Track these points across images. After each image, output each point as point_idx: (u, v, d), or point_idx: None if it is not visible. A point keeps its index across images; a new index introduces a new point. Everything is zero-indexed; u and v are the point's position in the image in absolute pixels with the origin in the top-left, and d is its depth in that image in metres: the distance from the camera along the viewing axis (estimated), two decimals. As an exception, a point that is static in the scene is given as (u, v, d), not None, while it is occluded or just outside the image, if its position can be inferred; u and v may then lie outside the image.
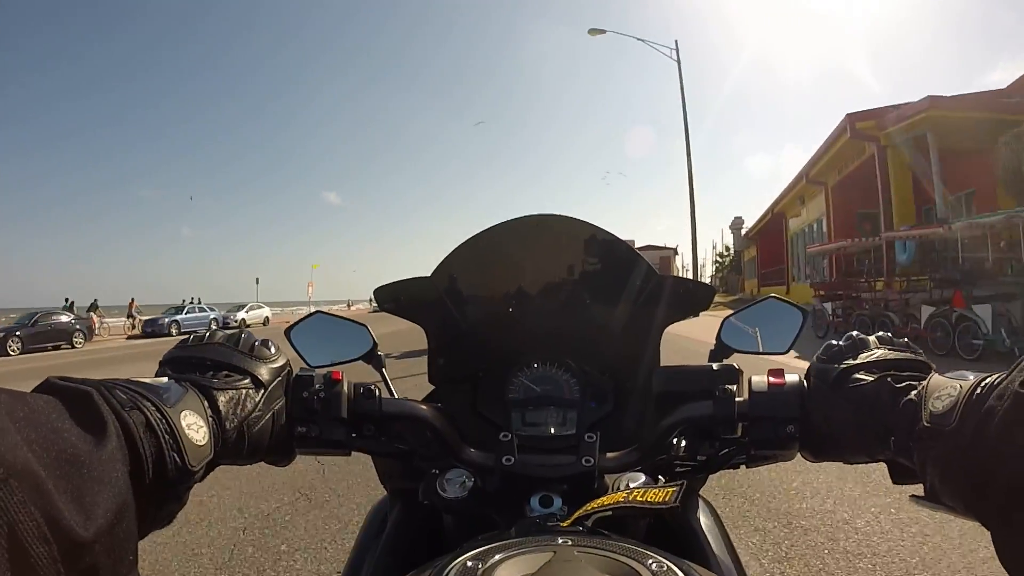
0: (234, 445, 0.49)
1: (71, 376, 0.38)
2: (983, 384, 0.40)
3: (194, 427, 0.43)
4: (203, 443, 0.43)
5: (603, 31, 21.76)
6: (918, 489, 0.46)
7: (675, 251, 45.50)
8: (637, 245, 34.32)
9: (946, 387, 0.44)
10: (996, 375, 0.40)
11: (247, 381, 0.52)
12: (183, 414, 0.42)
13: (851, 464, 0.55)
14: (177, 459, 0.40)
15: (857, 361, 0.53)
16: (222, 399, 0.49)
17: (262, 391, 0.53)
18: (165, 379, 0.46)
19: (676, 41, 22.98)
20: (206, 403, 0.47)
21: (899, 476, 0.50)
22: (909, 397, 0.47)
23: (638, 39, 21.65)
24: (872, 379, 0.51)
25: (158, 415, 0.40)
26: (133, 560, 0.35)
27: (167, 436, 0.40)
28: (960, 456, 0.40)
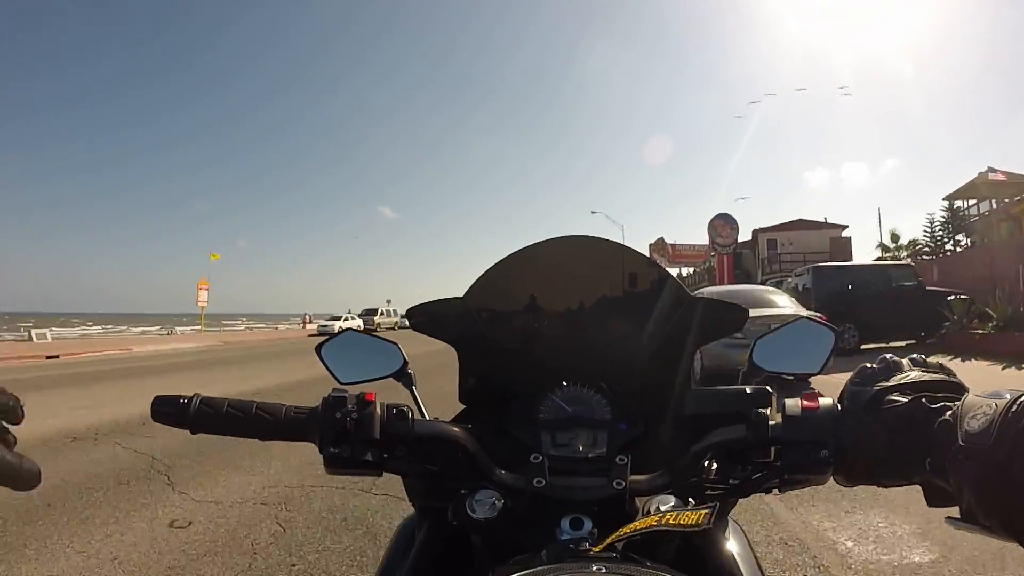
0: None
1: None
2: (1019, 402, 0.40)
3: None
4: None
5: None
6: (954, 511, 0.45)
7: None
8: (798, 218, 34.61)
9: (981, 406, 0.43)
10: None
11: None
12: None
13: (885, 487, 0.54)
14: None
15: (891, 383, 0.53)
16: None
17: None
18: None
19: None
20: None
21: (934, 498, 0.49)
22: (944, 418, 0.46)
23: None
24: (906, 400, 0.50)
25: None
26: None
27: None
28: (997, 475, 0.39)
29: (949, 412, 0.46)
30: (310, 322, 44.00)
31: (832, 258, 28.76)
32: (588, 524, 0.60)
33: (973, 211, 26.23)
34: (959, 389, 0.51)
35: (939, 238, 27.82)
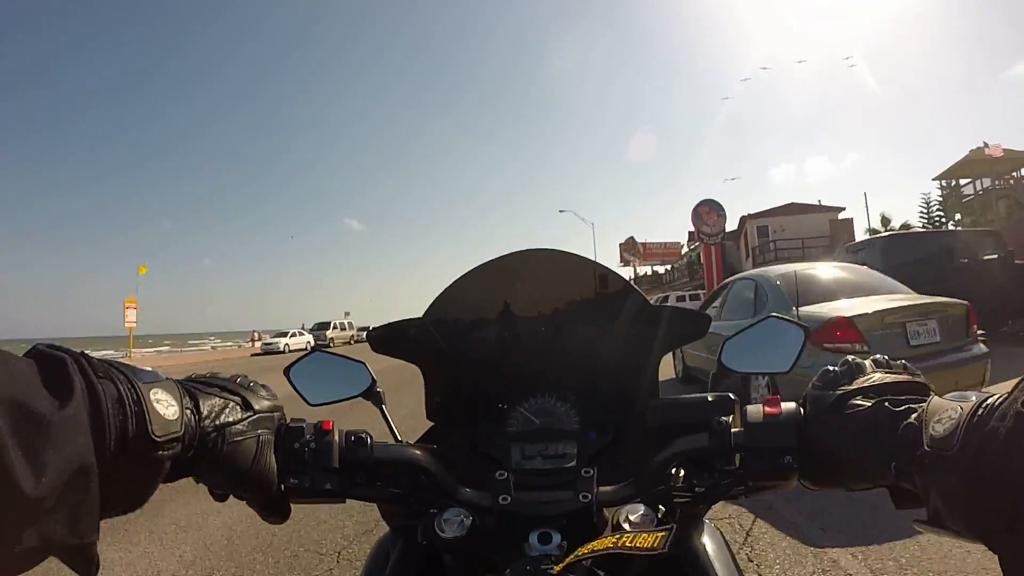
0: (212, 448, 0.48)
1: (57, 345, 0.39)
2: (984, 405, 0.40)
3: (163, 403, 0.43)
4: (172, 418, 0.43)
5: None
6: (922, 513, 0.45)
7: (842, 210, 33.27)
8: (798, 201, 32.15)
9: (946, 409, 0.43)
10: (997, 396, 0.40)
11: (236, 398, 0.53)
12: (153, 391, 0.42)
13: (852, 491, 0.53)
14: (141, 427, 0.40)
15: (853, 386, 0.52)
16: (204, 401, 0.49)
17: (250, 412, 0.53)
18: (150, 367, 0.46)
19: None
20: (186, 398, 0.47)
21: (902, 501, 0.49)
22: (909, 421, 0.46)
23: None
24: (869, 404, 0.50)
25: (128, 386, 0.40)
26: (91, 529, 0.35)
27: (134, 407, 0.40)
28: (963, 479, 0.39)
29: (914, 415, 0.46)
30: (259, 339, 39.79)
31: (833, 243, 26.44)
32: (557, 538, 0.60)
33: (968, 190, 25.85)
34: (923, 390, 0.51)
35: (936, 219, 27.40)
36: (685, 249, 42.63)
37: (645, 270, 46.32)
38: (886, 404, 0.49)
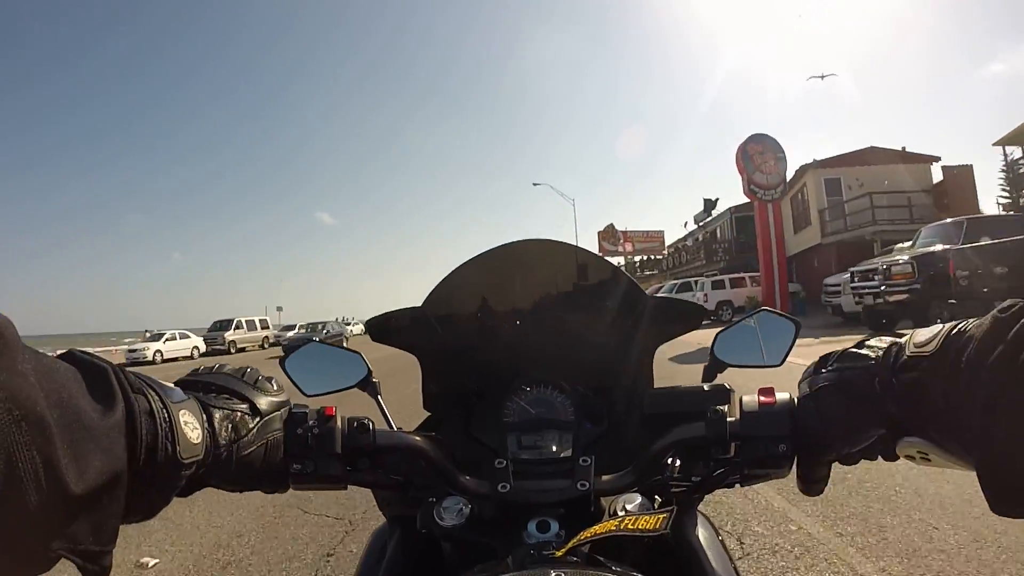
0: (224, 463, 0.51)
1: (91, 352, 0.40)
2: (965, 321, 0.42)
3: (190, 425, 0.45)
4: (196, 442, 0.45)
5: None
6: (909, 444, 0.46)
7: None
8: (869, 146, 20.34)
9: (931, 328, 0.45)
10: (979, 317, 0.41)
11: (244, 406, 0.55)
12: (182, 412, 0.45)
13: (852, 463, 0.53)
14: (170, 448, 0.42)
15: (846, 364, 0.52)
16: (217, 415, 0.51)
17: (258, 419, 0.55)
18: (172, 384, 0.49)
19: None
20: (204, 415, 0.49)
21: (891, 435, 0.49)
22: (895, 342, 0.48)
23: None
24: (859, 366, 0.50)
25: (160, 405, 0.42)
26: (113, 535, 0.36)
27: (165, 425, 0.42)
28: (941, 382, 0.40)
29: (898, 345, 0.47)
30: (144, 340, 26.22)
31: (942, 201, 18.75)
32: (555, 526, 0.61)
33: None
34: None
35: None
36: (670, 239, 39.39)
37: (642, 256, 41.48)
38: (875, 354, 0.50)
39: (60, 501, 0.32)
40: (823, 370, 0.53)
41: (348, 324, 37.54)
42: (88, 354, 0.40)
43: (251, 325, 28.97)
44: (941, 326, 0.43)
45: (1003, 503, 0.36)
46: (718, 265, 27.90)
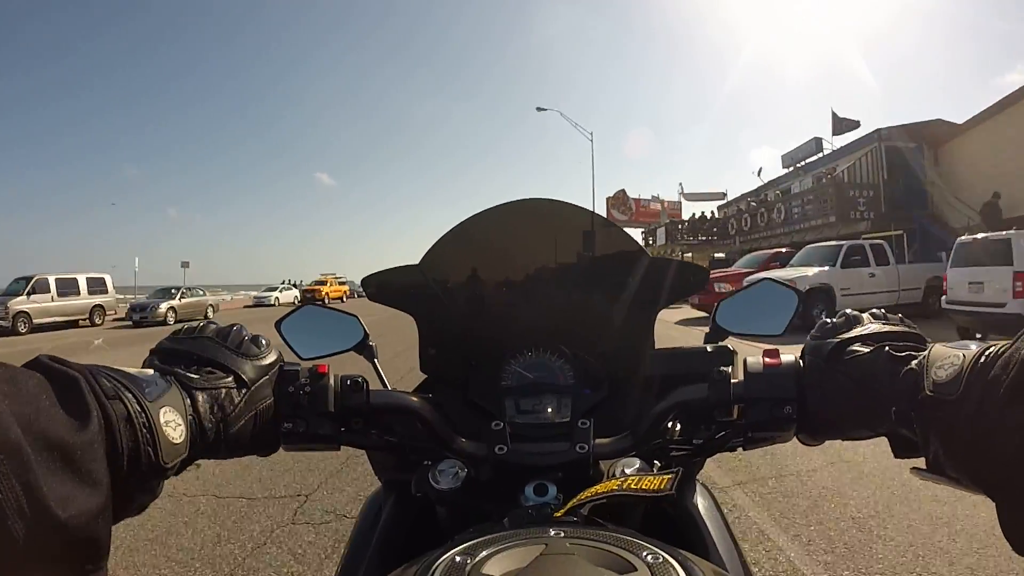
0: (211, 444, 0.49)
1: (60, 357, 0.38)
2: (987, 353, 0.40)
3: (172, 424, 0.43)
4: (179, 441, 0.44)
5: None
6: (920, 462, 0.45)
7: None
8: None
9: (949, 356, 0.43)
10: (1001, 344, 0.40)
11: (230, 379, 0.52)
12: (163, 411, 0.43)
13: (851, 440, 0.54)
14: (151, 454, 0.40)
15: (852, 334, 0.53)
16: (202, 398, 0.49)
17: (244, 390, 0.53)
18: (151, 371, 0.47)
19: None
20: (187, 401, 0.47)
21: (901, 449, 0.49)
22: (910, 367, 0.46)
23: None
24: (869, 350, 0.50)
25: (138, 408, 0.40)
26: (106, 548, 0.35)
27: (144, 431, 0.40)
28: (965, 425, 0.39)
29: (915, 361, 0.46)
30: None
31: None
32: (552, 490, 0.60)
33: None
34: (921, 340, 0.51)
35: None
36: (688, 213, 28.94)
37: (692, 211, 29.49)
38: (886, 349, 0.49)
39: (48, 528, 0.30)
40: (831, 340, 0.53)
41: (287, 289, 33.28)
42: (57, 360, 0.38)
43: (67, 288, 17.18)
44: (961, 356, 0.41)
45: None
46: (856, 225, 16.05)
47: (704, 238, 26.12)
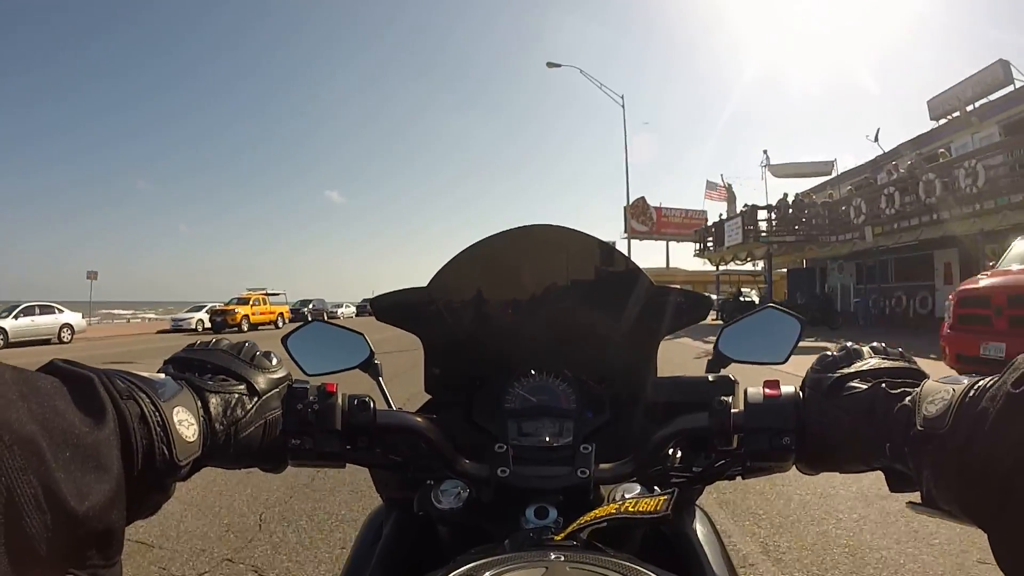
0: (222, 447, 0.50)
1: (74, 360, 0.39)
2: (976, 387, 0.41)
3: (185, 423, 0.44)
4: (192, 440, 0.45)
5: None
6: (915, 496, 0.45)
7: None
8: None
9: (939, 391, 0.44)
10: (989, 378, 0.40)
11: (242, 387, 0.53)
12: (176, 410, 0.44)
13: (847, 473, 0.55)
14: (166, 452, 0.41)
15: (851, 370, 0.54)
16: (213, 400, 0.50)
17: (256, 399, 0.54)
18: (162, 375, 0.48)
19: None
20: (199, 403, 0.48)
21: (896, 484, 0.50)
22: (903, 403, 0.47)
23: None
24: (866, 387, 0.51)
25: (152, 408, 0.41)
26: (120, 544, 0.36)
27: (159, 429, 0.41)
28: (954, 458, 0.40)
29: (908, 398, 0.47)
30: None
31: None
32: (553, 513, 0.60)
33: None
34: (919, 375, 0.52)
35: None
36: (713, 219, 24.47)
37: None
38: (882, 386, 0.50)
39: (64, 524, 0.31)
40: (831, 374, 0.54)
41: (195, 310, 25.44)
42: (71, 364, 0.38)
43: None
44: (951, 391, 0.43)
45: None
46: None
47: (802, 233, 18.30)
